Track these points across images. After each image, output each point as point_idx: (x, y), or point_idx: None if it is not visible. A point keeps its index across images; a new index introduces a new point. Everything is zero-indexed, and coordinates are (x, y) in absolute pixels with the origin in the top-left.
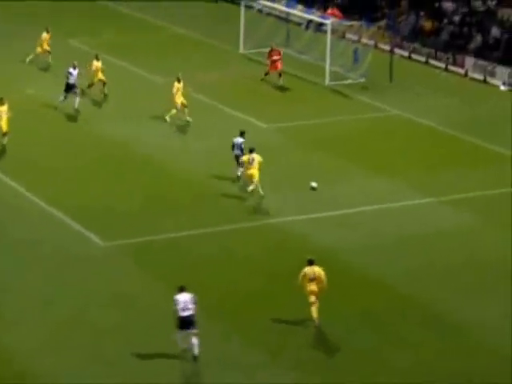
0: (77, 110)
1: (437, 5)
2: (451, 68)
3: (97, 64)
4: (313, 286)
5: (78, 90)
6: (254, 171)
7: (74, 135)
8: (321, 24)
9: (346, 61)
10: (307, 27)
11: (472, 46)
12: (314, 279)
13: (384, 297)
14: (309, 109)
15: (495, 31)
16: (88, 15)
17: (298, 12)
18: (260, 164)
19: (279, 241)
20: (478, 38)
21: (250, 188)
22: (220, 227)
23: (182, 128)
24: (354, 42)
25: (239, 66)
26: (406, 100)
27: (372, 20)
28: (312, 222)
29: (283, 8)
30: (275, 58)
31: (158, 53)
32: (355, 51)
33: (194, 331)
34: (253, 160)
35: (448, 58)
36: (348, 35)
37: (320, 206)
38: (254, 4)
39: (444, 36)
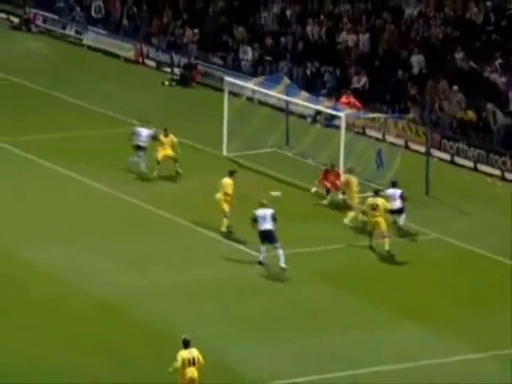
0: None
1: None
2: (509, 176)
3: (165, 140)
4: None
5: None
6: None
7: None
8: (332, 117)
9: (367, 167)
10: (314, 121)
11: None
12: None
13: None
14: (319, 230)
15: None
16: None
17: (302, 101)
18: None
19: None
20: None
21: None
22: None
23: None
24: (376, 140)
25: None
26: (449, 220)
27: (401, 111)
28: None
29: (281, 96)
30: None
31: (108, 154)
32: (378, 153)
33: (277, 244)
34: (377, 206)
35: (504, 163)
36: (369, 132)
37: (328, 365)
38: (243, 91)
39: (498, 131)
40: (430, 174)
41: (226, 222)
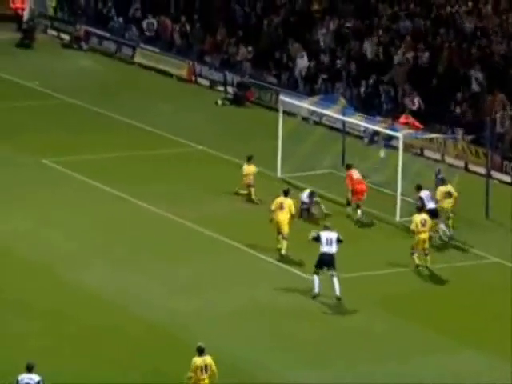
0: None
1: None
2: None
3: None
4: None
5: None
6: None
7: None
8: (390, 137)
9: (425, 188)
10: (371, 141)
11: None
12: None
13: None
14: (375, 255)
15: None
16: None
17: (358, 121)
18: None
19: None
20: None
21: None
22: None
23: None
24: (435, 161)
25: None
26: (509, 243)
27: (461, 132)
28: None
29: (338, 116)
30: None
31: (152, 175)
32: (437, 174)
33: (334, 272)
34: (425, 221)
35: None
36: (427, 152)
37: None
38: (298, 110)
39: None
40: (490, 197)
41: (285, 243)
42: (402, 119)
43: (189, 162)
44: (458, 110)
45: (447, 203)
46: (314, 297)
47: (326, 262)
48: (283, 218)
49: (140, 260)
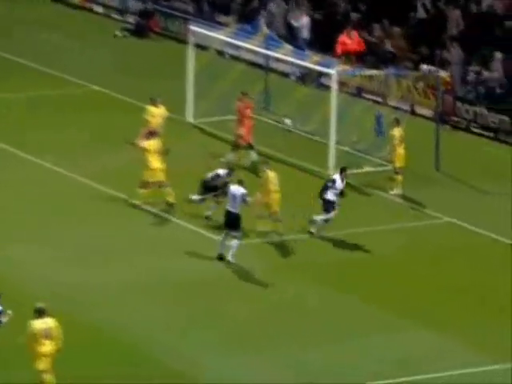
0: None
1: None
2: None
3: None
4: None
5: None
6: None
7: None
8: (320, 74)
9: (364, 135)
10: (301, 79)
11: None
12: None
13: None
14: (301, 215)
15: None
16: None
17: (283, 55)
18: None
19: None
20: None
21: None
22: None
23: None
24: (376, 103)
25: (189, 146)
26: (464, 200)
27: (412, 65)
28: None
29: (259, 49)
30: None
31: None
32: (378, 119)
33: (236, 234)
34: None
35: None
36: (366, 93)
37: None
38: (212, 42)
39: None
40: (440, 145)
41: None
42: (343, 38)
43: (81, 106)
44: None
45: (401, 150)
46: (219, 258)
47: (226, 222)
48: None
49: (23, 222)
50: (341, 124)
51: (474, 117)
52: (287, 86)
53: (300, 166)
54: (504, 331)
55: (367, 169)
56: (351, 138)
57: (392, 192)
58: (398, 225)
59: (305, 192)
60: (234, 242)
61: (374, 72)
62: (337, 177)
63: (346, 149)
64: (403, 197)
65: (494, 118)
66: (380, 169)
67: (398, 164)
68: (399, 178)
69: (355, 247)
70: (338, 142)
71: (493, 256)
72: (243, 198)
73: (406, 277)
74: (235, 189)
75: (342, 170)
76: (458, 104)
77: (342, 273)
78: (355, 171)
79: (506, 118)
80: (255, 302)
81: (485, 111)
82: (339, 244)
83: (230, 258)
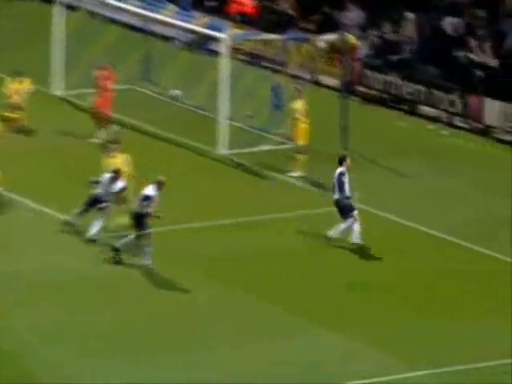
0: None
1: None
2: (459, 121)
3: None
4: None
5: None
6: None
7: None
8: (208, 38)
9: (260, 109)
10: (187, 45)
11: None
12: None
13: None
14: (187, 202)
15: None
16: None
17: (166, 16)
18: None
19: None
20: None
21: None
22: None
23: None
24: (273, 72)
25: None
26: (377, 183)
27: (314, 28)
28: None
29: (137, 9)
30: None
31: None
32: (276, 90)
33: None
34: None
35: (453, 103)
36: (263, 60)
37: None
38: (82, 3)
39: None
40: (348, 120)
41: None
42: None
43: None
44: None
45: (303, 126)
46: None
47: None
48: None
49: None
50: (233, 96)
51: (386, 87)
52: (171, 53)
53: (186, 144)
54: (421, 334)
55: (264, 147)
56: (245, 113)
57: (293, 174)
58: (300, 212)
59: (192, 174)
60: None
61: (270, 36)
62: (342, 169)
63: (239, 125)
64: (306, 179)
65: (408, 88)
66: (279, 147)
67: (300, 142)
68: (301, 157)
69: (250, 238)
70: (229, 117)
71: (408, 246)
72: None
73: (309, 272)
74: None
75: (343, 160)
76: (368, 72)
77: (236, 268)
78: (249, 150)
79: (422, 88)
80: (145, 301)
81: (398, 80)
82: (232, 234)
83: (145, 260)
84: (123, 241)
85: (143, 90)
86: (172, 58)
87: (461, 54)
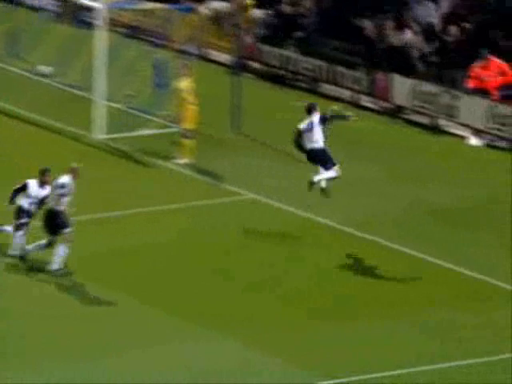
0: None
1: None
2: (365, 100)
3: None
4: None
5: None
6: None
7: None
8: (81, 8)
9: (141, 88)
10: (57, 15)
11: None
12: None
13: None
14: None
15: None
16: None
17: None
18: None
19: None
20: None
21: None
22: None
23: None
24: (156, 46)
25: None
26: (274, 171)
27: None
28: None
29: None
30: None
31: None
32: (158, 67)
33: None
34: None
35: (358, 80)
36: (145, 34)
37: None
38: None
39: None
40: (240, 100)
41: None
42: None
43: None
44: None
45: (190, 107)
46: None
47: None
48: None
49: None
50: (111, 74)
51: (283, 63)
52: (41, 25)
53: (57, 128)
54: (325, 342)
55: (146, 131)
56: (125, 92)
57: (178, 161)
58: (186, 203)
59: (64, 162)
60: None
61: (151, 6)
62: (315, 119)
63: (118, 106)
64: (193, 167)
65: (308, 64)
66: (162, 131)
67: (187, 125)
68: (188, 142)
69: (127, 233)
70: (107, 98)
71: (304, 241)
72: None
73: (193, 272)
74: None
75: (311, 108)
76: (263, 46)
77: (109, 266)
78: (130, 135)
79: (324, 64)
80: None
81: (297, 56)
82: (105, 230)
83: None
84: (31, 247)
85: (8, 67)
86: (42, 32)
87: (367, 25)
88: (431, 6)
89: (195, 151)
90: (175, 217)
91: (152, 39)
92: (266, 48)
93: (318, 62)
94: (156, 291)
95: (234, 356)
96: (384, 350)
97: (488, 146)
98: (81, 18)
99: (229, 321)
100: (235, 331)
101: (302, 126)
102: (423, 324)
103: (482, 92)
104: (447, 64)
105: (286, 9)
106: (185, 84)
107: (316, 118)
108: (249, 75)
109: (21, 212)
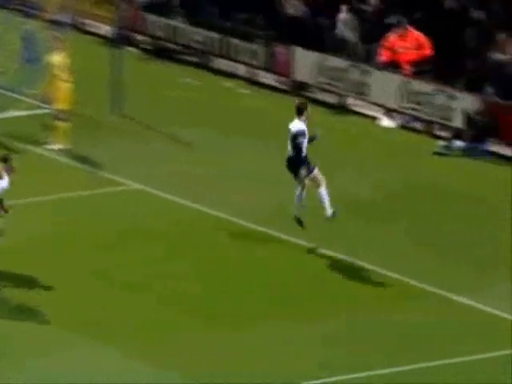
0: None
1: None
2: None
3: None
4: None
5: None
6: None
7: None
8: None
9: (8, 64)
10: None
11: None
12: None
13: None
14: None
15: None
16: None
17: None
18: None
19: None
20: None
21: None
22: None
23: None
24: (25, 16)
25: None
26: (158, 157)
27: None
28: None
29: None
30: None
31: None
32: (27, 39)
33: None
34: None
35: (256, 55)
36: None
37: None
38: None
39: None
40: (122, 77)
41: None
42: None
43: None
44: None
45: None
46: None
47: None
48: None
49: None
50: None
51: (170, 34)
52: None
53: None
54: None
55: (14, 113)
56: None
57: (52, 146)
58: (61, 194)
59: None
60: None
61: None
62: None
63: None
64: (68, 153)
65: (198, 36)
66: (33, 112)
67: (61, 105)
68: (62, 125)
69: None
70: None
71: (199, 237)
72: None
73: (68, 272)
74: None
75: (302, 108)
76: (147, 16)
77: None
78: None
79: (216, 35)
80: None
81: (185, 26)
82: None
83: None
84: None
85: None
86: None
87: None
88: None
89: (70, 135)
90: (48, 210)
91: (21, 8)
92: (151, 17)
93: (210, 33)
94: (27, 295)
95: (112, 365)
96: (279, 359)
97: (402, 127)
98: None
99: (106, 326)
100: (113, 338)
101: (297, 129)
102: (322, 329)
103: (394, 66)
104: (362, 37)
105: None
106: (58, 59)
107: (304, 124)
108: (131, 48)
109: None
